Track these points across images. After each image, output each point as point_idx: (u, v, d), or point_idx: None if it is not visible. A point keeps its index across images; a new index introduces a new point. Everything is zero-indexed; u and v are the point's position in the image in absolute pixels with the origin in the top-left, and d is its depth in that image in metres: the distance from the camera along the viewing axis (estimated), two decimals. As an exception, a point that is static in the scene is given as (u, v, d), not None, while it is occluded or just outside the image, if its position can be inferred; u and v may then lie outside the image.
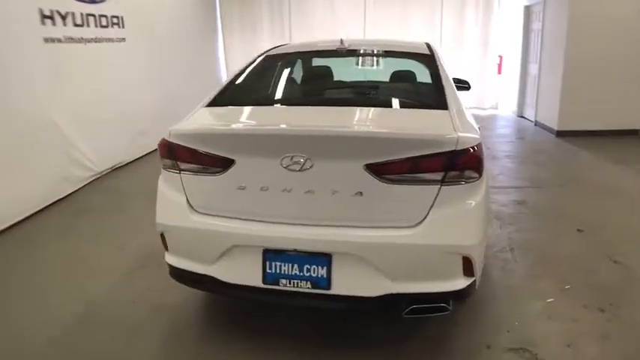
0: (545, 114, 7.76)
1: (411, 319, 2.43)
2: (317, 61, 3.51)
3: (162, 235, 2.36)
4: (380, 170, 2.00)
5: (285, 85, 3.20)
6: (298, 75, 3.37)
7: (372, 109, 2.51)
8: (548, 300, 2.82)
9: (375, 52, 3.24)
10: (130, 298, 2.91)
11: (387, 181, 2.01)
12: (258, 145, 2.12)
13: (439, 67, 2.80)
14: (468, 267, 2.09)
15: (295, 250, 2.10)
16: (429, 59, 2.94)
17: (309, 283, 2.11)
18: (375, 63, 3.27)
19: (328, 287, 2.09)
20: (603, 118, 7.05)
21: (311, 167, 2.02)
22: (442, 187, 2.02)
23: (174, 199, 2.28)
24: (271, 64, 3.23)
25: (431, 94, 2.56)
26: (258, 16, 9.61)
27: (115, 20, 5.64)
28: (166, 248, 2.39)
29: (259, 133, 2.17)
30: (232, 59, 9.81)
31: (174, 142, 2.22)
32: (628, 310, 2.69)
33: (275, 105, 2.73)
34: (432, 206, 2.04)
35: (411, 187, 2.03)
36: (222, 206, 2.20)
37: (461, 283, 2.11)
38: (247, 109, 2.62)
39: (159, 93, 6.66)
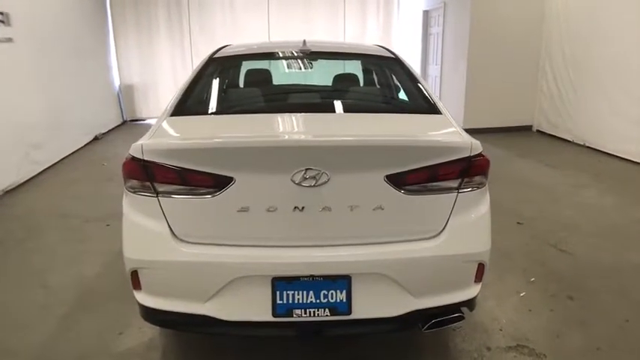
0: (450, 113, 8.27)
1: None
2: (280, 64, 3.27)
3: (133, 273, 1.96)
4: (401, 181, 1.87)
5: (258, 89, 2.92)
6: (266, 78, 3.09)
7: (368, 115, 2.37)
8: (521, 294, 2.92)
9: (340, 53, 3.09)
10: (78, 351, 2.41)
11: (408, 192, 1.89)
12: (264, 159, 1.83)
13: (411, 70, 2.75)
14: (479, 273, 2.06)
15: (311, 276, 1.87)
16: (396, 62, 2.88)
17: (327, 310, 1.89)
18: (343, 66, 3.12)
19: (349, 312, 1.90)
20: (503, 115, 7.70)
21: (327, 182, 1.81)
22: (458, 194, 1.95)
23: (150, 228, 1.90)
24: (230, 66, 2.92)
25: (418, 99, 2.48)
26: (154, 18, 8.90)
27: (-2, 17, 4.77)
28: (138, 287, 1.99)
29: (267, 146, 1.85)
30: (126, 63, 9.01)
31: (150, 159, 1.85)
32: (592, 296, 2.88)
33: (256, 113, 2.43)
34: (450, 215, 1.96)
35: (430, 196, 1.93)
36: (218, 233, 1.89)
37: (474, 290, 2.08)
38: (227, 118, 2.31)
39: (51, 100, 5.81)
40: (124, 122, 9.06)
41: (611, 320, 2.64)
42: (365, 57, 3.11)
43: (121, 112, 9.07)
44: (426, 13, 9.11)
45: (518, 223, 4.01)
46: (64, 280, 3.09)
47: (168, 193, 1.87)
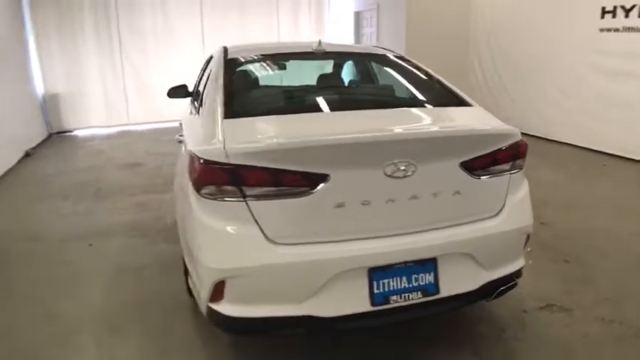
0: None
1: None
2: (299, 64, 3.29)
3: (219, 284, 1.90)
4: (472, 166, 2.07)
5: (298, 89, 2.93)
6: (296, 77, 3.10)
7: (413, 109, 2.51)
8: (529, 262, 3.27)
9: (353, 53, 3.20)
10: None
11: (477, 176, 2.09)
12: (359, 154, 1.91)
13: (424, 67, 2.95)
14: (525, 244, 2.33)
15: (404, 263, 1.99)
16: (405, 61, 3.07)
17: (419, 293, 2.03)
18: (356, 66, 3.22)
19: (437, 292, 2.06)
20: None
21: (414, 172, 1.95)
22: (511, 175, 2.20)
23: (240, 233, 1.88)
24: (253, 67, 2.91)
25: (445, 93, 2.67)
26: (80, 22, 8.27)
27: None
28: (218, 299, 1.93)
29: (363, 141, 1.92)
30: (50, 71, 8.30)
31: (238, 163, 1.83)
32: (582, 258, 3.32)
33: (312, 112, 2.43)
34: (507, 194, 2.20)
35: (493, 179, 2.15)
36: (314, 230, 1.92)
37: (522, 259, 2.35)
38: (289, 118, 2.28)
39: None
40: (50, 135, 8.31)
41: (606, 275, 3.08)
42: (374, 56, 3.26)
43: (46, 124, 8.31)
44: (357, 14, 9.47)
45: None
46: (72, 306, 2.84)
47: (259, 196, 1.86)
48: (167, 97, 4.79)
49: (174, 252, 3.55)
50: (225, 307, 1.93)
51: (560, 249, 3.46)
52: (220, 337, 2.45)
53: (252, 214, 1.86)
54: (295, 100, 2.80)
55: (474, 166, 2.07)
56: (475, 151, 2.06)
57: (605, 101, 5.80)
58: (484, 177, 2.11)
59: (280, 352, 2.41)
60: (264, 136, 2.06)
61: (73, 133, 8.51)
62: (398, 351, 2.40)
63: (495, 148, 2.11)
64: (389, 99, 2.80)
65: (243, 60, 2.94)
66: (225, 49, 3.02)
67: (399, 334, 2.51)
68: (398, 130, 2.08)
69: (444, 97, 2.64)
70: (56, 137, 8.32)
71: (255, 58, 3.08)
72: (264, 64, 3.16)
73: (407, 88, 2.82)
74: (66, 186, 5.36)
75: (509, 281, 2.28)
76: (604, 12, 5.63)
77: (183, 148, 2.59)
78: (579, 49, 6.09)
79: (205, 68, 3.75)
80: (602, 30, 5.70)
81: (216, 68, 2.77)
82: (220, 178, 1.85)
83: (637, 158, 5.58)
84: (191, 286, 2.31)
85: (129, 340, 2.53)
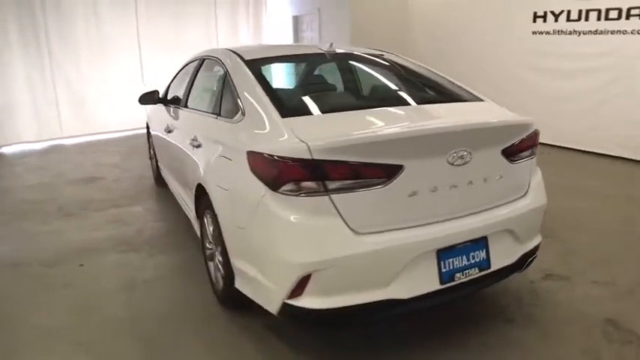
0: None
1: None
2: (317, 64, 3.33)
3: (303, 279, 1.98)
4: (509, 153, 2.33)
5: (338, 88, 3.01)
6: (324, 77, 3.16)
7: (445, 104, 2.70)
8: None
9: (362, 55, 3.34)
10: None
11: (512, 162, 2.36)
12: (428, 145, 2.10)
13: (428, 67, 3.19)
14: (542, 220, 2.64)
15: (464, 242, 2.19)
16: (407, 61, 3.28)
17: (476, 268, 2.25)
18: (367, 67, 3.34)
19: (489, 266, 2.29)
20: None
21: (470, 160, 2.15)
22: (531, 160, 2.50)
23: (324, 226, 1.98)
24: (276, 68, 2.96)
25: (460, 90, 2.89)
26: (2, 28, 7.53)
27: None
28: (298, 294, 2.01)
29: (430, 133, 2.12)
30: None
31: (321, 158, 1.93)
32: (561, 233, 3.74)
33: (365, 109, 2.51)
34: (530, 177, 2.50)
35: (522, 163, 2.43)
36: (391, 219, 2.07)
37: (540, 234, 2.65)
38: (348, 115, 2.39)
39: None
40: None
41: (586, 246, 3.53)
42: (382, 56, 3.37)
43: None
44: (295, 19, 9.63)
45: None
46: (95, 333, 2.66)
47: (341, 189, 1.96)
48: (138, 104, 4.62)
49: (176, 262, 3.48)
50: (306, 301, 2.00)
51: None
52: (269, 335, 2.49)
53: (336, 207, 1.96)
54: (340, 98, 2.88)
55: (510, 153, 2.33)
56: (511, 140, 2.33)
57: (539, 97, 6.48)
58: (516, 162, 2.38)
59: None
60: (334, 132, 2.11)
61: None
62: (435, 328, 2.58)
63: (523, 137, 2.38)
64: (422, 95, 2.92)
65: (262, 62, 2.94)
66: (235, 52, 3.02)
67: (430, 315, 2.69)
68: (457, 122, 2.27)
69: (461, 93, 2.86)
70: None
71: (274, 59, 3.12)
72: (285, 66, 3.21)
73: (429, 85, 2.99)
74: (20, 206, 4.92)
75: (534, 253, 2.57)
76: (536, 16, 6.32)
77: (219, 154, 2.57)
78: (514, 50, 6.73)
79: (196, 73, 3.69)
80: (534, 33, 6.39)
81: (236, 70, 2.78)
82: (303, 174, 1.93)
83: (568, 146, 6.33)
84: (249, 288, 2.33)
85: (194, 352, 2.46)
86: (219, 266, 2.69)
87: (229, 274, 2.50)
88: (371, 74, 3.17)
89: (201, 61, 3.71)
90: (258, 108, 2.38)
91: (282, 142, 2.04)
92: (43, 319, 2.80)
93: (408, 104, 2.67)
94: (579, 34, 5.89)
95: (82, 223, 4.39)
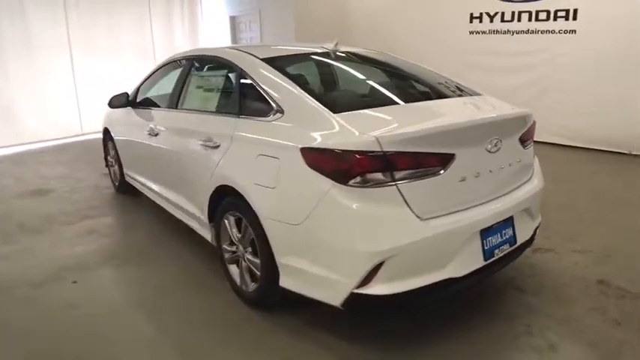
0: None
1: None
2: (328, 62, 3.37)
3: (375, 268, 2.09)
4: (523, 140, 2.64)
5: (368, 84, 3.08)
6: (352, 75, 3.26)
7: (459, 98, 2.92)
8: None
9: (364, 54, 3.47)
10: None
11: (524, 147, 2.67)
12: (474, 135, 2.33)
13: (420, 64, 3.42)
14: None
15: (498, 222, 2.43)
16: (402, 60, 3.49)
17: (508, 244, 2.52)
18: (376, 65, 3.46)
19: (515, 242, 2.58)
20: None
21: (501, 147, 2.41)
22: (532, 147, 2.83)
23: (393, 215, 2.11)
24: (298, 66, 3.03)
25: (461, 85, 3.14)
26: None
27: None
28: (366, 282, 2.11)
29: (477, 124, 2.37)
30: None
31: (391, 150, 2.06)
32: (560, 217, 3.99)
33: (409, 103, 2.68)
34: (533, 161, 2.82)
35: (529, 149, 2.76)
36: (447, 204, 2.26)
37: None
38: (394, 109, 2.54)
39: None
40: None
41: (561, 222, 3.97)
42: (385, 55, 3.56)
43: None
44: (233, 19, 9.53)
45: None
46: (133, 355, 2.53)
47: (406, 178, 2.11)
48: (108, 107, 4.43)
49: (176, 272, 3.37)
50: (375, 289, 2.11)
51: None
52: (308, 331, 2.56)
53: (402, 195, 2.10)
54: (379, 94, 2.94)
55: (523, 139, 2.63)
56: (524, 127, 2.63)
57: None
58: (527, 147, 2.69)
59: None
60: (394, 125, 2.27)
61: None
62: (454, 306, 2.82)
63: (530, 125, 2.69)
64: (438, 90, 3.00)
65: (279, 60, 2.94)
66: (244, 51, 3.04)
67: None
68: (496, 113, 2.55)
69: (464, 88, 3.10)
70: None
71: (291, 58, 3.19)
72: (303, 65, 3.25)
73: (437, 81, 3.16)
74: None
75: (537, 229, 2.90)
76: (472, 17, 6.88)
77: (256, 152, 2.52)
78: (453, 50, 7.23)
79: (187, 74, 3.60)
80: (471, 32, 6.95)
81: (255, 68, 2.81)
82: (374, 165, 2.05)
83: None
84: (301, 284, 2.37)
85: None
86: (251, 267, 2.69)
87: (269, 273, 2.51)
88: (389, 72, 3.31)
89: (190, 62, 3.63)
90: (303, 105, 2.44)
91: (350, 136, 2.13)
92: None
93: (432, 98, 2.85)
94: (513, 33, 6.53)
95: (53, 238, 4.08)
